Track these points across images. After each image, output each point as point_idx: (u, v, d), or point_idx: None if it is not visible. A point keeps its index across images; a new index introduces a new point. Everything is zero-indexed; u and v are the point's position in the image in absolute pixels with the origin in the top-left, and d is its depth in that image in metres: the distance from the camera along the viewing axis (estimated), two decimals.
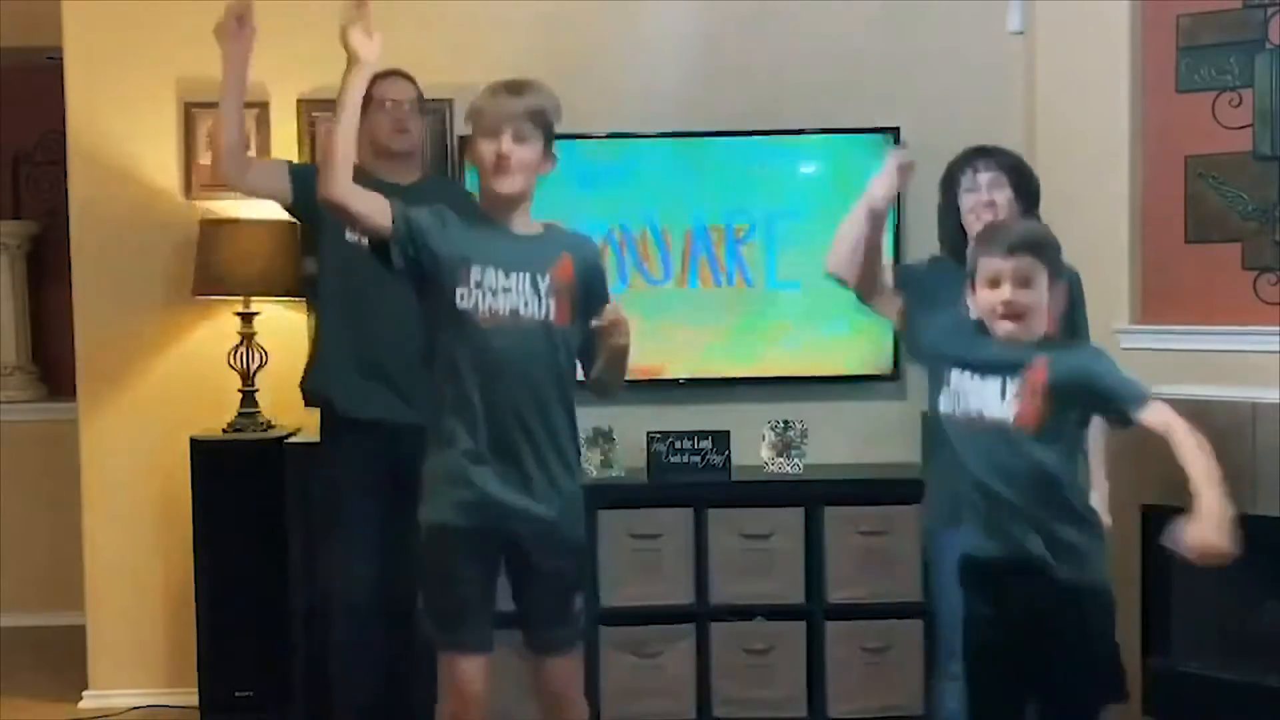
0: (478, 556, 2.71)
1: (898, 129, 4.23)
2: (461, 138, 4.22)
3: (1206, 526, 2.40)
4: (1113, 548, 2.99)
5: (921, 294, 3.02)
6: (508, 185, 2.67)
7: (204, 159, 4.27)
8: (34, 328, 5.66)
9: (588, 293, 2.75)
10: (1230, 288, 3.73)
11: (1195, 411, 3.62)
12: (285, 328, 4.27)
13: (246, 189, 3.50)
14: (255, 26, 3.27)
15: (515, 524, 2.69)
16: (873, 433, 4.34)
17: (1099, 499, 3.13)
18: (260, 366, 4.17)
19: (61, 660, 4.64)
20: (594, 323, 2.66)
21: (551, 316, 2.68)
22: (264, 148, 4.20)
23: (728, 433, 4.17)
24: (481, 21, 4.29)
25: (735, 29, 4.35)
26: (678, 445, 4.15)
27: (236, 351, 4.14)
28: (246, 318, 4.14)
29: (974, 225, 3.12)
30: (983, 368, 2.57)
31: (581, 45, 4.31)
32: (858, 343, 4.27)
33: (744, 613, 4.03)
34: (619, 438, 4.14)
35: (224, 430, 4.12)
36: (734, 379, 4.31)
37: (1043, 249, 2.58)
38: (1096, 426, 3.09)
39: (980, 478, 2.57)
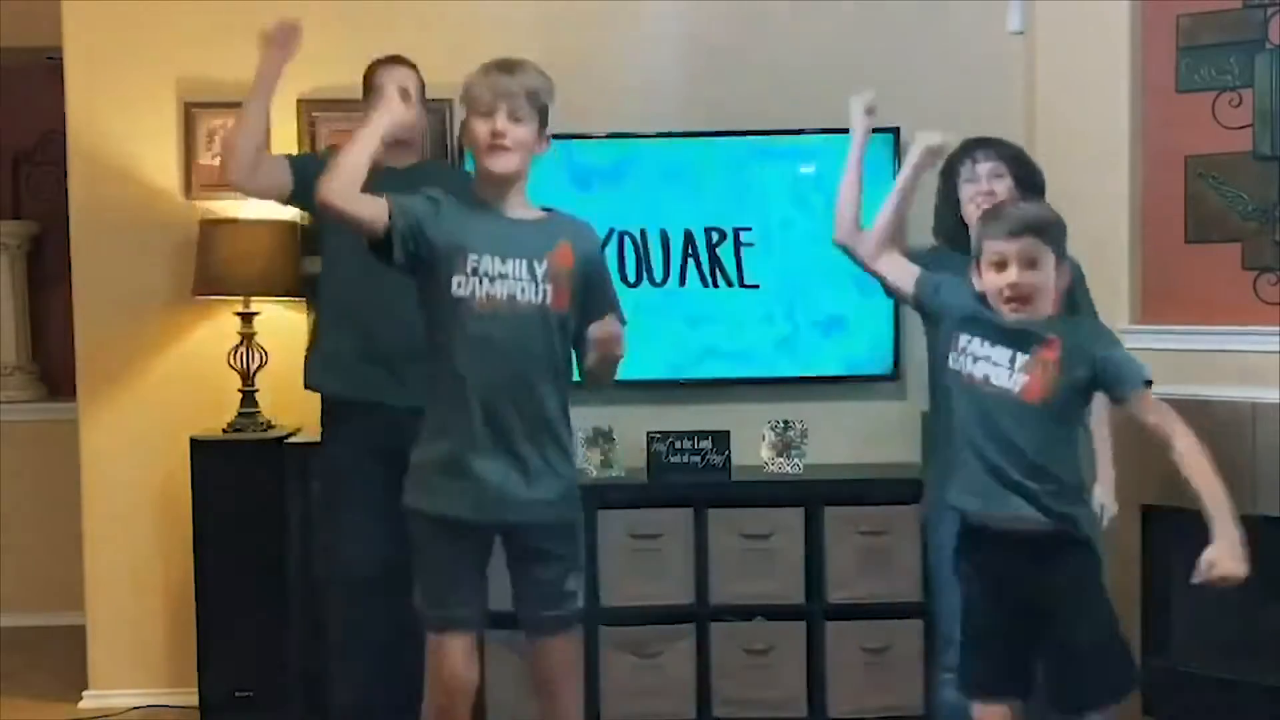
0: (471, 541, 2.72)
1: (898, 129, 4.23)
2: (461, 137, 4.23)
3: (1225, 554, 2.48)
4: (1113, 547, 3.00)
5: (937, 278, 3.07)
6: (502, 164, 2.66)
7: (204, 159, 4.28)
8: (34, 328, 5.67)
9: (587, 281, 2.74)
10: (1230, 288, 3.73)
11: (1195, 411, 3.65)
12: (285, 328, 4.27)
13: (252, 190, 3.50)
14: (300, 43, 3.28)
15: (511, 511, 2.69)
16: (873, 433, 4.34)
17: (1104, 487, 3.14)
18: (260, 366, 4.17)
19: (61, 660, 4.64)
20: (589, 333, 2.64)
21: (549, 301, 2.67)
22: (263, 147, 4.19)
23: (728, 433, 4.17)
24: (481, 21, 4.29)
25: (735, 29, 4.35)
26: (678, 445, 4.15)
27: (236, 351, 4.14)
28: (246, 318, 4.14)
29: (973, 215, 3.12)
30: (995, 336, 2.59)
31: (581, 45, 4.31)
32: (857, 343, 4.27)
33: (744, 613, 4.03)
34: (619, 438, 4.14)
35: (224, 430, 4.12)
36: (734, 379, 4.31)
37: (1047, 230, 2.59)
38: (1104, 418, 3.12)
39: (975, 440, 2.58)
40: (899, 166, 4.21)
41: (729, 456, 4.15)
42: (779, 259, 4.28)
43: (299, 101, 4.24)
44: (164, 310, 4.28)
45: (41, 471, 5.22)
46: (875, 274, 2.92)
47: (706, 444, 4.15)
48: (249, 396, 4.15)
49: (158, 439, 4.25)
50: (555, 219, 2.77)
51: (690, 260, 4.27)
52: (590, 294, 2.73)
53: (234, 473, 4.04)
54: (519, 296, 2.64)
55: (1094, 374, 2.56)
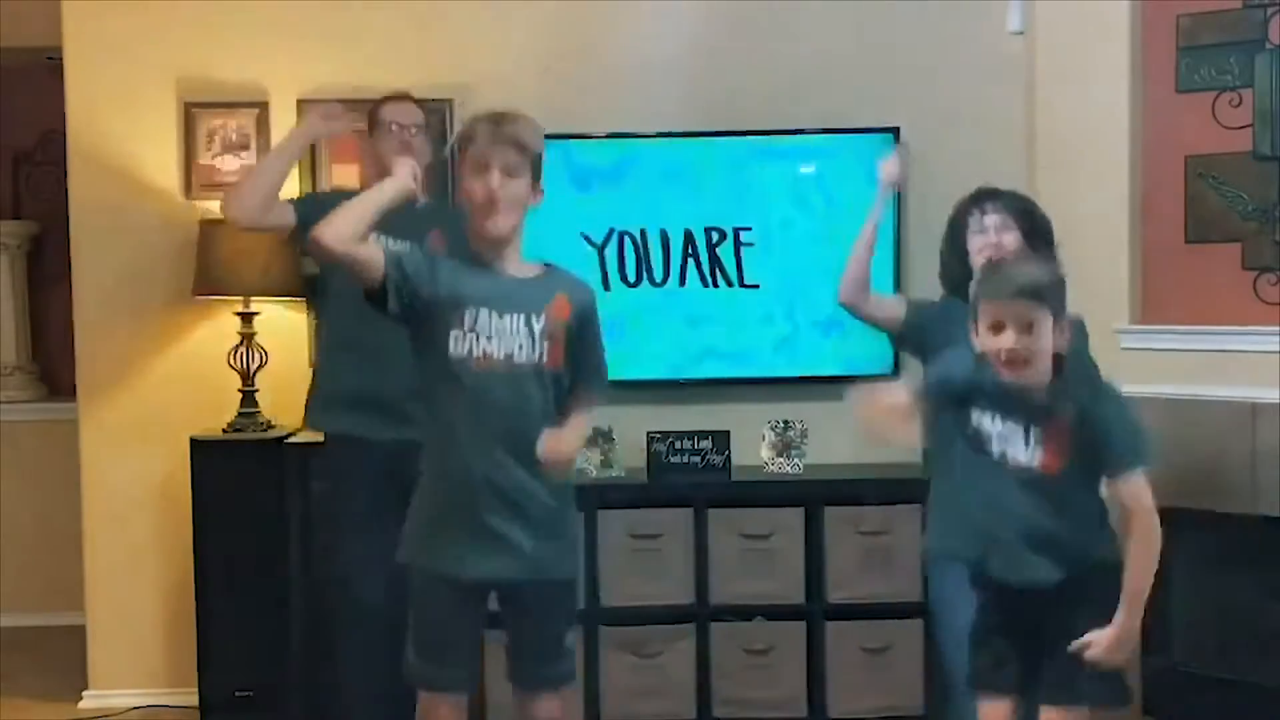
0: (466, 600, 2.67)
1: (898, 129, 4.24)
2: None
3: (1111, 642, 2.49)
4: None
5: (934, 333, 3.08)
6: (496, 226, 2.62)
7: (204, 159, 4.28)
8: (34, 328, 5.66)
9: (579, 335, 2.70)
10: (1230, 288, 3.73)
11: (1195, 411, 3.66)
12: (285, 328, 4.27)
13: (260, 228, 3.49)
14: (345, 126, 3.53)
15: (506, 569, 2.65)
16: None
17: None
18: (260, 366, 4.17)
19: (61, 660, 4.63)
20: (538, 447, 2.59)
21: (545, 360, 2.63)
22: (264, 148, 4.21)
23: (728, 433, 4.17)
24: (481, 21, 4.29)
25: (734, 29, 4.35)
26: (678, 445, 4.15)
27: (236, 351, 4.14)
28: (246, 318, 4.14)
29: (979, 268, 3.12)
30: (1006, 408, 2.57)
31: (581, 45, 4.31)
32: (857, 343, 4.26)
33: (744, 613, 4.03)
34: (619, 438, 4.14)
35: (224, 430, 4.12)
36: (734, 379, 4.31)
37: (1044, 293, 2.54)
38: None
39: (999, 515, 2.57)
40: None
41: (729, 456, 4.15)
42: (779, 259, 4.28)
43: (299, 102, 4.24)
44: (164, 310, 4.28)
45: (41, 471, 5.22)
46: (866, 315, 3.19)
47: (706, 444, 4.15)
48: (249, 396, 4.15)
49: (158, 439, 4.25)
50: (552, 274, 2.74)
51: (690, 260, 4.27)
52: (579, 350, 2.69)
53: (234, 473, 4.04)
54: (516, 355, 2.61)
55: (1096, 443, 2.53)
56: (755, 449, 4.20)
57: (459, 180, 2.70)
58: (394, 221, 3.32)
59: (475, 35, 4.28)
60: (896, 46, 4.33)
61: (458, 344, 2.60)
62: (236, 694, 4.04)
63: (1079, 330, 3.13)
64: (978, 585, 2.72)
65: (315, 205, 3.30)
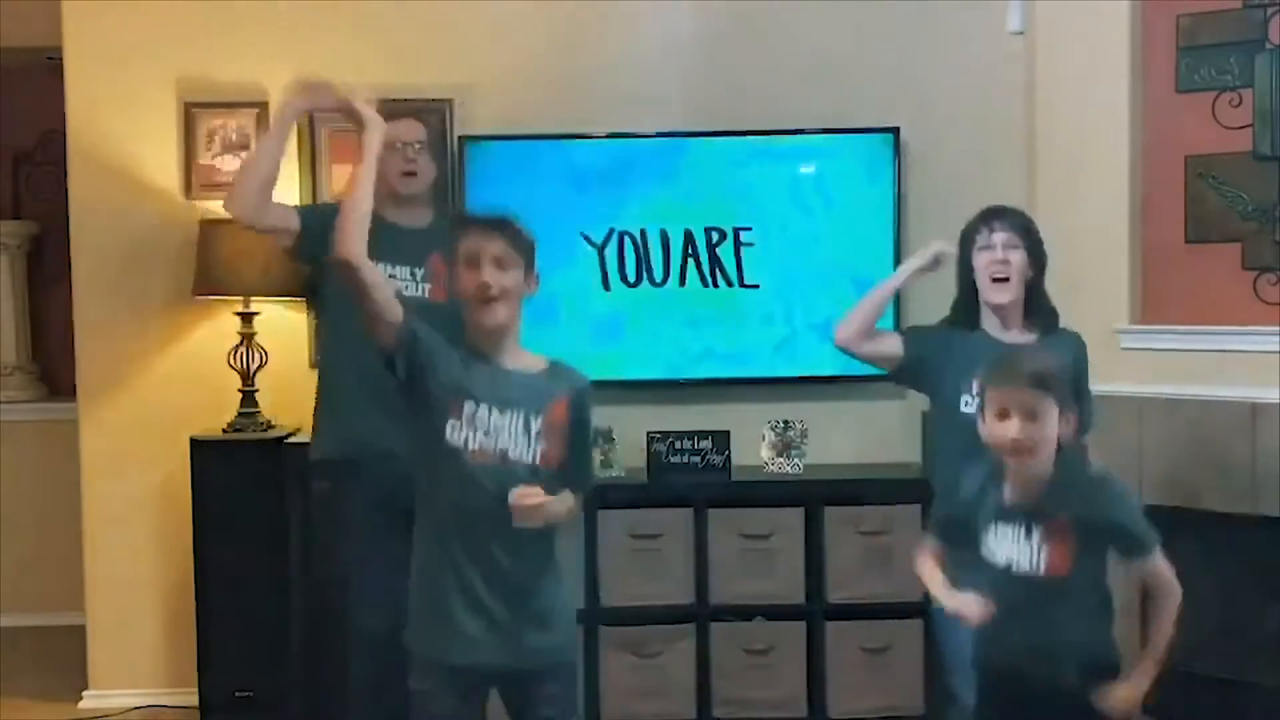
0: (463, 692, 2.65)
1: (898, 129, 4.24)
2: (461, 137, 4.23)
3: (1130, 695, 2.53)
4: None
5: (933, 365, 3.14)
6: (491, 318, 2.59)
7: (204, 159, 4.28)
8: (34, 328, 5.66)
9: (574, 436, 2.67)
10: (1230, 288, 3.73)
11: (1195, 411, 3.66)
12: (285, 328, 4.27)
13: (259, 226, 3.44)
14: (330, 102, 3.25)
15: (504, 658, 2.62)
16: (873, 433, 4.34)
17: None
18: (260, 366, 4.17)
19: (61, 660, 4.63)
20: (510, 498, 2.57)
21: (538, 460, 2.60)
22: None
23: (728, 433, 4.17)
24: (481, 21, 4.29)
25: (734, 29, 4.35)
26: (678, 445, 4.15)
27: (236, 351, 4.14)
28: (246, 318, 4.14)
29: (986, 287, 3.13)
30: (1007, 517, 2.57)
31: (581, 45, 4.31)
32: None
33: (744, 613, 4.03)
34: (619, 438, 4.14)
35: (224, 430, 4.12)
36: (734, 379, 4.31)
37: (1050, 382, 2.55)
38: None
39: (1016, 632, 2.56)
40: (899, 167, 4.25)
41: (729, 456, 4.15)
42: (779, 259, 4.27)
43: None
44: (164, 310, 4.28)
45: (41, 471, 5.22)
46: (862, 355, 3.26)
47: (706, 444, 4.15)
48: (249, 396, 4.15)
49: (158, 439, 4.25)
50: (553, 371, 2.69)
51: (690, 260, 4.27)
52: (569, 448, 2.66)
53: (234, 473, 4.04)
54: (510, 453, 2.58)
55: (1108, 536, 2.55)
56: (755, 449, 4.20)
57: (453, 279, 2.65)
58: (396, 243, 3.33)
59: (475, 35, 4.29)
60: (896, 46, 4.33)
61: (454, 433, 2.57)
62: (236, 694, 4.04)
63: (1078, 347, 3.16)
64: (982, 672, 2.71)
65: (318, 216, 3.30)
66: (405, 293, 3.42)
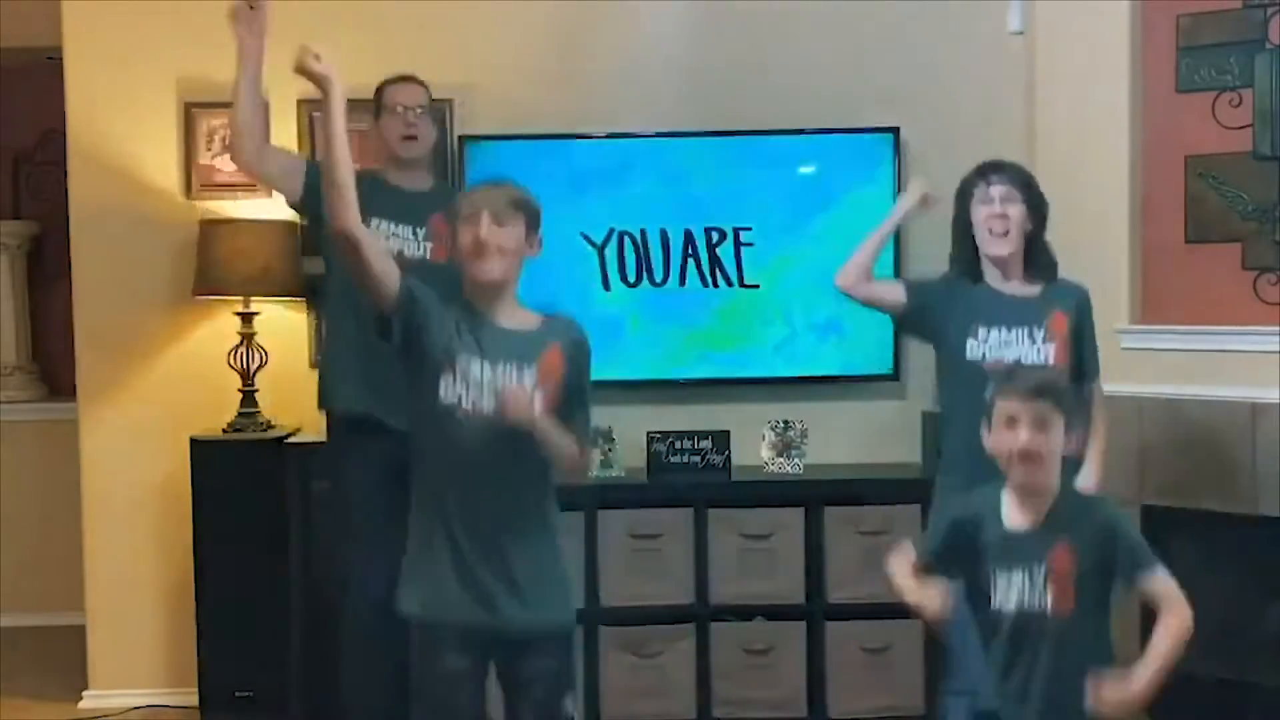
0: (462, 656, 2.64)
1: (898, 129, 4.24)
2: (461, 137, 4.23)
3: (1130, 692, 2.46)
4: None
5: (938, 314, 3.16)
6: (486, 272, 2.59)
7: (204, 159, 4.28)
8: (34, 328, 5.66)
9: (573, 383, 2.66)
10: (1230, 288, 3.73)
11: (1195, 411, 3.66)
12: (285, 328, 4.27)
13: (262, 174, 3.48)
14: (268, 9, 3.25)
15: (498, 620, 2.62)
16: (873, 433, 4.34)
17: (1092, 461, 3.12)
18: (260, 366, 4.17)
19: (61, 660, 4.63)
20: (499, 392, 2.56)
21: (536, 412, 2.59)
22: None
23: (728, 433, 4.17)
24: (481, 21, 4.29)
25: (734, 29, 4.35)
26: (678, 445, 4.15)
27: (236, 351, 4.14)
28: (246, 318, 4.14)
29: (985, 240, 3.16)
30: (1010, 555, 2.55)
31: (581, 45, 4.31)
32: (857, 342, 4.27)
33: (744, 613, 4.03)
34: (619, 438, 4.14)
35: (224, 430, 4.12)
36: (734, 379, 4.31)
37: (1060, 395, 2.57)
38: (1100, 406, 3.15)
39: (1025, 671, 2.55)
40: (899, 167, 4.25)
41: (729, 456, 4.15)
42: (779, 259, 4.27)
43: (299, 102, 4.24)
44: (164, 310, 4.28)
45: (41, 471, 5.22)
46: (864, 299, 3.30)
47: (706, 444, 4.15)
48: (249, 396, 4.15)
49: (158, 439, 4.25)
50: (548, 324, 2.69)
51: (690, 260, 4.27)
52: (567, 401, 2.65)
53: (234, 473, 4.03)
54: (500, 410, 2.56)
55: (1112, 555, 2.53)
56: (755, 449, 4.20)
57: (453, 237, 2.65)
58: (398, 204, 3.34)
59: (475, 35, 4.29)
60: (896, 46, 4.33)
61: (448, 391, 2.57)
62: (236, 694, 4.04)
63: (1081, 296, 3.19)
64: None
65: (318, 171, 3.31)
66: (406, 253, 3.44)
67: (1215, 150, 3.75)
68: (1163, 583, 2.52)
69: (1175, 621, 2.49)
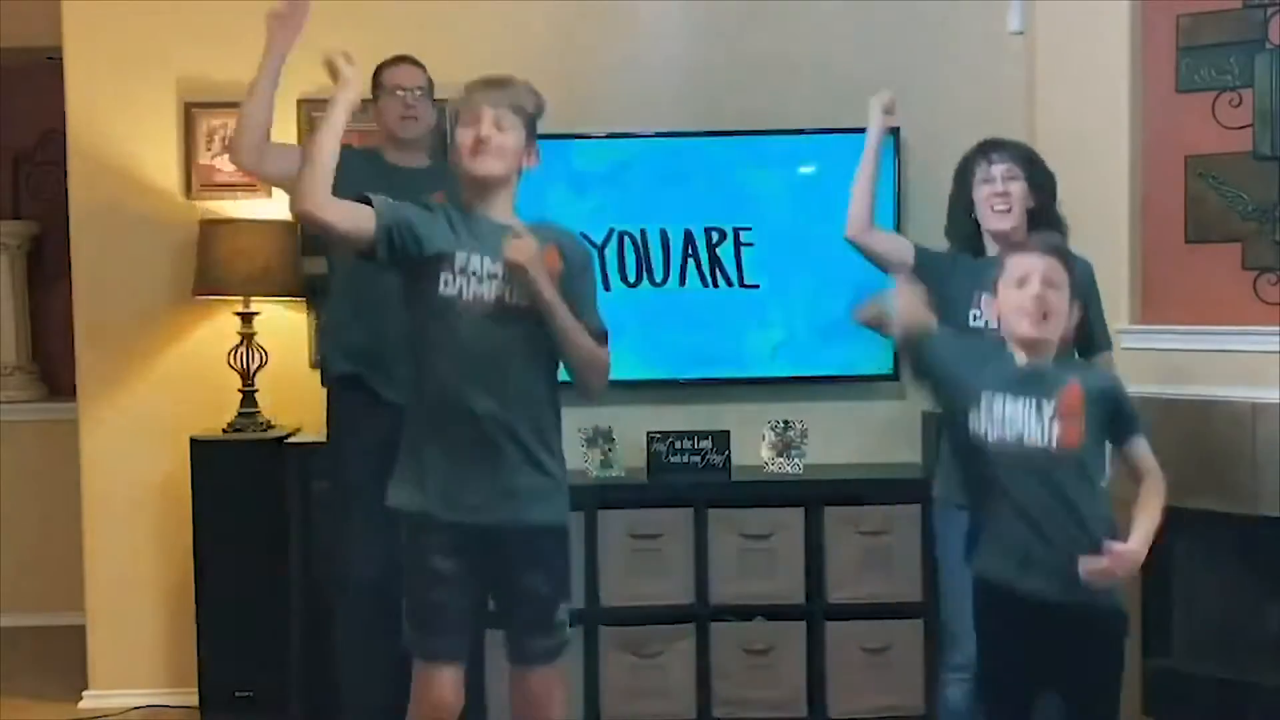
0: (454, 555, 2.65)
1: (898, 129, 4.22)
2: None
3: (1120, 559, 2.52)
4: None
5: (943, 281, 3.12)
6: (484, 165, 2.62)
7: (204, 159, 4.28)
8: (34, 328, 5.66)
9: (571, 289, 2.67)
10: (1230, 288, 3.72)
11: (1195, 411, 3.66)
12: (285, 328, 4.27)
13: (262, 173, 3.48)
14: (307, 11, 3.24)
15: (488, 512, 2.63)
16: (873, 433, 4.34)
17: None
18: (260, 366, 4.17)
19: (61, 660, 4.64)
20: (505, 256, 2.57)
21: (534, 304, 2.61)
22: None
23: (728, 433, 4.17)
24: (482, 22, 4.29)
25: (734, 29, 4.35)
26: (678, 445, 4.15)
27: (236, 351, 4.14)
28: (246, 318, 4.14)
29: (988, 216, 3.17)
30: (1016, 388, 2.59)
31: (580, 45, 4.31)
32: (857, 342, 4.26)
33: (744, 613, 4.03)
34: (619, 438, 4.14)
35: (224, 430, 4.12)
36: (734, 379, 4.31)
37: (1069, 257, 2.65)
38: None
39: (1023, 506, 2.57)
40: (899, 167, 4.25)
41: (729, 456, 4.15)
42: (779, 259, 4.27)
43: (299, 102, 4.24)
44: (164, 310, 4.28)
45: (41, 471, 5.22)
46: (873, 251, 3.26)
47: (706, 444, 4.15)
48: (249, 396, 4.15)
49: (158, 439, 4.25)
50: (546, 227, 2.73)
51: (690, 260, 4.27)
52: (573, 298, 2.66)
53: (234, 473, 4.04)
54: (507, 298, 2.60)
55: (1112, 415, 2.60)
56: (755, 449, 4.20)
57: (451, 142, 2.68)
58: (394, 182, 3.33)
59: (475, 35, 4.28)
60: (897, 46, 4.33)
61: (448, 285, 2.60)
62: (236, 694, 4.04)
63: (1088, 273, 3.14)
64: (982, 620, 2.72)
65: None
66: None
67: (1215, 150, 3.75)
68: (1145, 449, 2.63)
69: (1158, 485, 2.61)
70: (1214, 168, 3.76)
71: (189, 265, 4.14)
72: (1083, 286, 3.04)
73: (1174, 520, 3.49)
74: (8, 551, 5.28)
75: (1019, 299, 2.60)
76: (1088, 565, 2.49)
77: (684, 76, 4.35)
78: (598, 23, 4.33)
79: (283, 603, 3.95)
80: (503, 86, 2.67)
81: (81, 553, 4.33)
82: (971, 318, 3.10)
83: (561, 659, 2.79)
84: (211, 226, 4.12)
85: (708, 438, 4.15)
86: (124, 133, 4.27)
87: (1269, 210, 3.69)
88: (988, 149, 3.20)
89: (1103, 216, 3.87)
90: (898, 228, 4.19)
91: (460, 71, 4.24)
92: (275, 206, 3.94)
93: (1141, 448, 2.63)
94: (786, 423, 4.20)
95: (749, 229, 4.27)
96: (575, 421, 3.85)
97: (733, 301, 4.28)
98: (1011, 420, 2.58)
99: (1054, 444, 2.55)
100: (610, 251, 4.24)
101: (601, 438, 4.12)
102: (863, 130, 4.22)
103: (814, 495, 4.05)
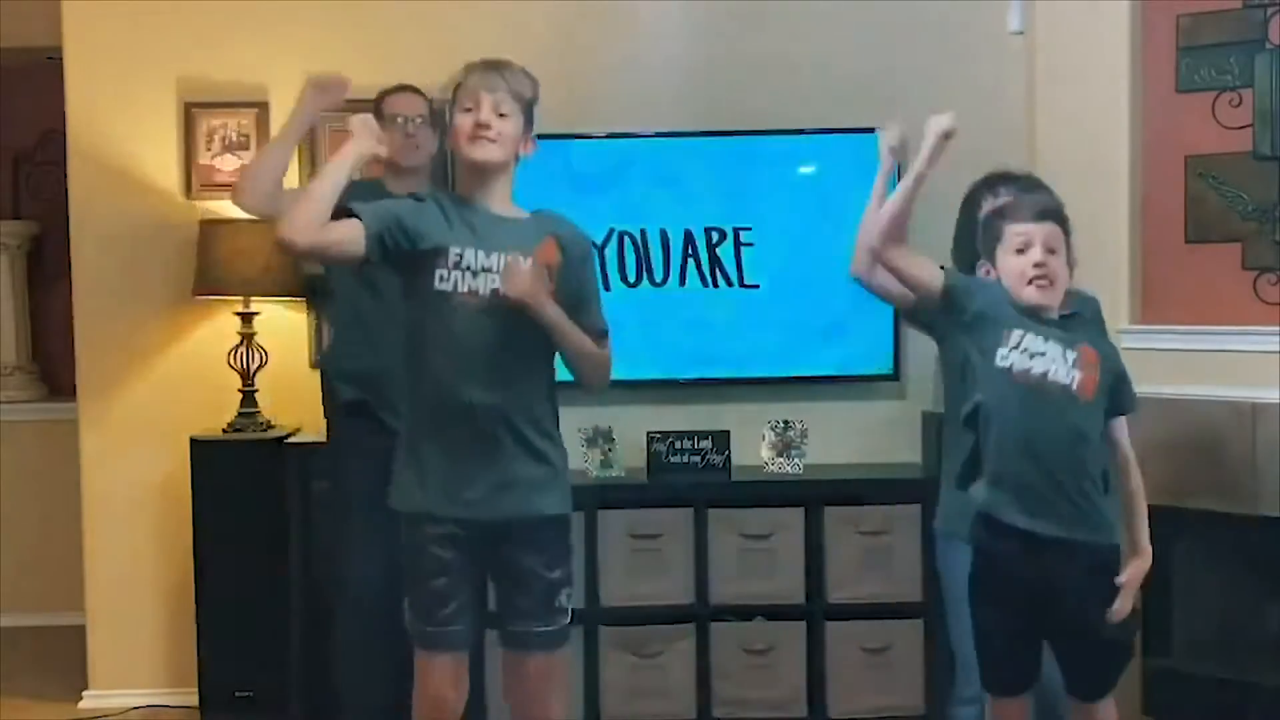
0: (455, 546, 2.64)
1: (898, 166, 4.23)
2: None
3: (1137, 571, 2.66)
4: None
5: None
6: (484, 151, 2.60)
7: (204, 159, 4.28)
8: (34, 328, 5.67)
9: (571, 278, 2.66)
10: (1230, 288, 3.72)
11: (1195, 411, 3.66)
12: (285, 328, 4.27)
13: (268, 217, 3.44)
14: (346, 93, 3.39)
15: (489, 508, 2.61)
16: (873, 433, 4.34)
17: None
18: (260, 366, 4.17)
19: (61, 660, 4.64)
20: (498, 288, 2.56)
21: None
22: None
23: (728, 433, 4.17)
24: (482, 22, 4.29)
25: (734, 29, 4.35)
26: (678, 445, 4.15)
27: (236, 351, 4.15)
28: (246, 318, 4.14)
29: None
30: (1047, 331, 2.62)
31: (580, 45, 4.31)
32: (857, 342, 4.27)
33: (744, 613, 4.03)
34: (619, 438, 4.14)
35: (224, 430, 4.12)
36: (734, 379, 4.31)
37: (1065, 219, 2.67)
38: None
39: (1030, 440, 2.58)
40: (899, 167, 4.23)
41: (729, 456, 4.15)
42: (779, 259, 4.27)
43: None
44: (164, 310, 4.28)
45: (41, 471, 5.22)
46: (891, 268, 2.78)
47: (706, 444, 4.15)
48: (249, 396, 4.15)
49: (158, 439, 4.25)
50: (543, 216, 2.71)
51: (690, 260, 4.27)
52: (570, 295, 2.65)
53: (234, 473, 4.04)
54: (502, 292, 2.58)
55: (1113, 381, 2.64)
56: (755, 449, 4.20)
57: (449, 126, 2.65)
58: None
59: (475, 35, 4.27)
60: (896, 46, 4.33)
61: (443, 280, 2.58)
62: (236, 694, 4.04)
63: (1096, 307, 3.11)
64: (977, 555, 2.72)
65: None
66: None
67: (1215, 150, 3.75)
68: (1125, 433, 2.69)
69: (1139, 477, 2.69)
70: (1214, 168, 3.76)
71: (189, 265, 4.14)
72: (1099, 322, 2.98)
73: (1174, 520, 3.50)
74: (8, 551, 5.28)
75: (1021, 265, 2.61)
76: (1117, 609, 2.61)
77: (684, 76, 4.35)
78: (598, 23, 4.33)
79: (283, 603, 3.95)
80: (501, 71, 2.64)
81: (81, 553, 4.33)
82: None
83: (561, 650, 2.76)
84: (211, 226, 4.12)
85: (708, 438, 4.15)
86: (124, 133, 4.27)
87: (1269, 210, 3.69)
88: (995, 182, 2.95)
89: (1103, 216, 3.86)
90: None
91: None
92: None
93: (1123, 429, 2.69)
94: (786, 423, 4.20)
95: (749, 229, 4.27)
96: (575, 421, 3.84)
97: (733, 301, 4.28)
98: (1040, 355, 2.60)
99: (1074, 386, 2.59)
100: (610, 251, 4.24)
101: (601, 438, 4.12)
102: (863, 130, 4.24)
103: (814, 495, 4.05)
